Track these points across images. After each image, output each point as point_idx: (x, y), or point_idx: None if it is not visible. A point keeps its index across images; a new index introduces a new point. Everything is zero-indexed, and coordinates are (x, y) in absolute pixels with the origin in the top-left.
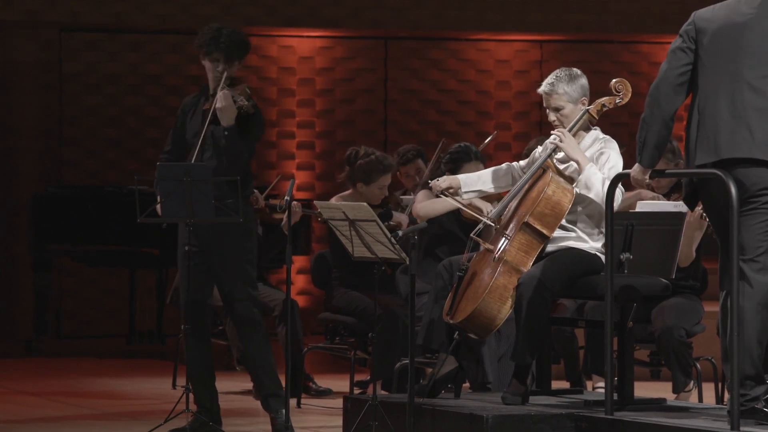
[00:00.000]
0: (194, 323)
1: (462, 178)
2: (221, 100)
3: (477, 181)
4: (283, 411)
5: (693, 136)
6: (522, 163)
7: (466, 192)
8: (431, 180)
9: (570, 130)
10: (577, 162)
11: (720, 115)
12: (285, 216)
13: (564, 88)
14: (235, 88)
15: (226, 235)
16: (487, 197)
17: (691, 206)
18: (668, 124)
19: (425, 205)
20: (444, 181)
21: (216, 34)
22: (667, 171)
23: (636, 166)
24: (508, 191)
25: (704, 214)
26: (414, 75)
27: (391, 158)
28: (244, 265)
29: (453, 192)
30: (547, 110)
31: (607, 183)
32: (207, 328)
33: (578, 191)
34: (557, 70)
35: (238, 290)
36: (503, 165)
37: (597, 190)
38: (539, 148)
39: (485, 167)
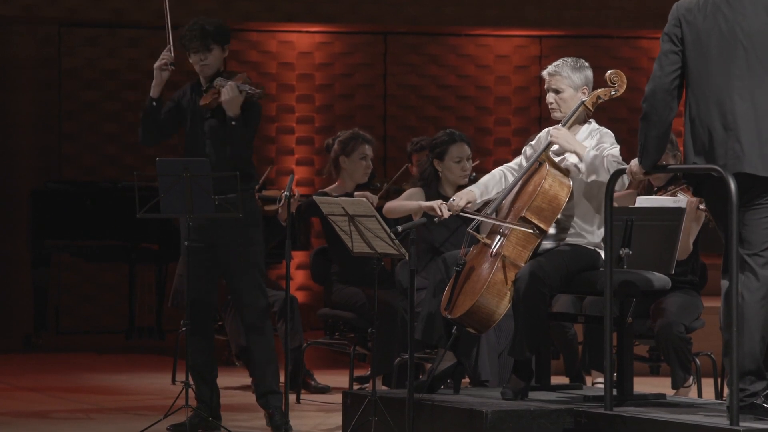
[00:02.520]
0: (197, 320)
1: (476, 190)
2: (227, 92)
3: (486, 189)
4: (281, 407)
5: (689, 143)
6: (516, 161)
7: (480, 202)
8: (418, 180)
9: (565, 123)
10: (576, 153)
11: (713, 126)
12: (280, 208)
13: (568, 72)
14: (235, 78)
15: (231, 230)
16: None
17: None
18: (667, 131)
19: (391, 206)
20: (461, 200)
21: (190, 27)
22: (669, 166)
23: (635, 161)
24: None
25: (701, 206)
26: (413, 70)
27: (367, 135)
28: (253, 263)
29: (472, 206)
30: (547, 92)
31: (612, 163)
32: (210, 326)
33: (585, 179)
34: (565, 57)
35: (248, 291)
36: (503, 169)
37: (602, 172)
38: (533, 142)
39: (472, 149)
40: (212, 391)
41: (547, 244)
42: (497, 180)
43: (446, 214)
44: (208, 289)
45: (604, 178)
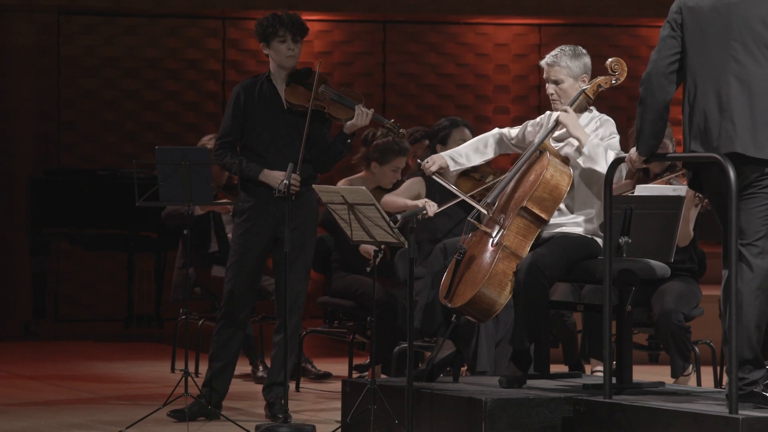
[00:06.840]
0: (234, 313)
1: (447, 156)
2: (363, 119)
3: (462, 156)
4: (282, 398)
5: (686, 128)
6: (512, 132)
7: (454, 170)
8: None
9: None
10: (579, 139)
11: (709, 108)
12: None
13: (567, 62)
14: (329, 87)
15: (299, 226)
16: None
17: (697, 189)
18: (663, 115)
19: (385, 201)
20: (433, 164)
21: (282, 16)
22: (668, 155)
23: (634, 149)
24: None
25: (699, 194)
26: (412, 59)
27: (407, 144)
28: (306, 263)
29: (443, 171)
30: (546, 83)
31: (611, 154)
32: (246, 319)
33: (582, 165)
34: (563, 45)
35: (292, 289)
36: (488, 135)
37: (601, 163)
38: (535, 120)
39: (473, 134)
40: (225, 384)
41: (545, 234)
42: (483, 146)
43: (431, 212)
44: (253, 282)
45: (602, 168)
